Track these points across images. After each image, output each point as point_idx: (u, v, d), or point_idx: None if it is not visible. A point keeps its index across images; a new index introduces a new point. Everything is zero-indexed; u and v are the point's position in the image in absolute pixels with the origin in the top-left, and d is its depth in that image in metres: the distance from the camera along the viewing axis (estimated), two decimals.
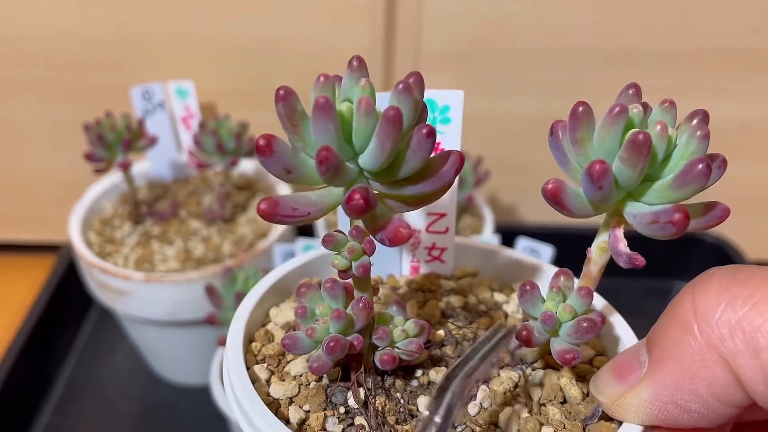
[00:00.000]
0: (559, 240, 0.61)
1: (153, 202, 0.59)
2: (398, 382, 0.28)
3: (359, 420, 0.26)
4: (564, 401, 0.27)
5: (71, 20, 0.61)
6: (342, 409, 0.27)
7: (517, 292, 0.28)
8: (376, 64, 0.63)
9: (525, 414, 0.27)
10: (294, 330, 0.28)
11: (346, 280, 0.26)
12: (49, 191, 0.72)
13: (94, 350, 0.66)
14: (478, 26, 0.61)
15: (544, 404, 0.27)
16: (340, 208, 0.25)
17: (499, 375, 0.28)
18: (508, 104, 0.66)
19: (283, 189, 0.60)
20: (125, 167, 0.53)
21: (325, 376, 0.27)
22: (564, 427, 0.26)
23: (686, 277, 0.75)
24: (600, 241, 0.27)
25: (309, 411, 0.27)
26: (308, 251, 0.43)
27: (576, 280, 0.28)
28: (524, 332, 0.26)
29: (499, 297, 0.33)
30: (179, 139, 0.62)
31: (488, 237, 0.56)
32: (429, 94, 0.28)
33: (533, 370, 0.29)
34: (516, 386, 0.28)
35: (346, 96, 0.24)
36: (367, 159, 0.22)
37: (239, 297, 0.42)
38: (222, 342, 0.44)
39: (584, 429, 0.26)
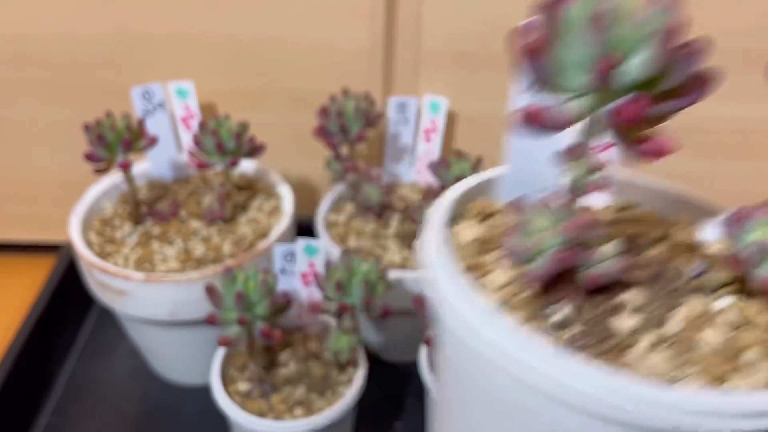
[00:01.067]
0: None
1: (153, 202, 0.59)
2: (598, 299, 0.29)
3: (572, 330, 0.28)
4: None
5: (71, 21, 0.61)
6: (552, 319, 0.28)
7: (723, 221, 0.30)
8: (377, 64, 0.63)
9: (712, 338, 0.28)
10: (488, 244, 0.32)
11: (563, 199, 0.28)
12: (49, 191, 0.72)
13: (94, 350, 0.66)
14: (478, 26, 0.61)
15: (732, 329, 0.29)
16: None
17: (686, 303, 0.30)
18: (507, 105, 0.66)
19: (284, 189, 0.61)
20: (125, 167, 0.53)
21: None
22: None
23: None
24: None
25: (521, 318, 0.28)
26: (311, 250, 0.49)
27: None
28: (733, 261, 0.28)
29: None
30: (179, 139, 0.62)
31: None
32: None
33: (718, 297, 0.30)
34: (704, 313, 0.29)
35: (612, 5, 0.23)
36: (635, 68, 0.22)
37: (239, 297, 0.43)
38: (223, 342, 0.44)
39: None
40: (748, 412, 0.23)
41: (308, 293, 0.52)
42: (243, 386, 0.50)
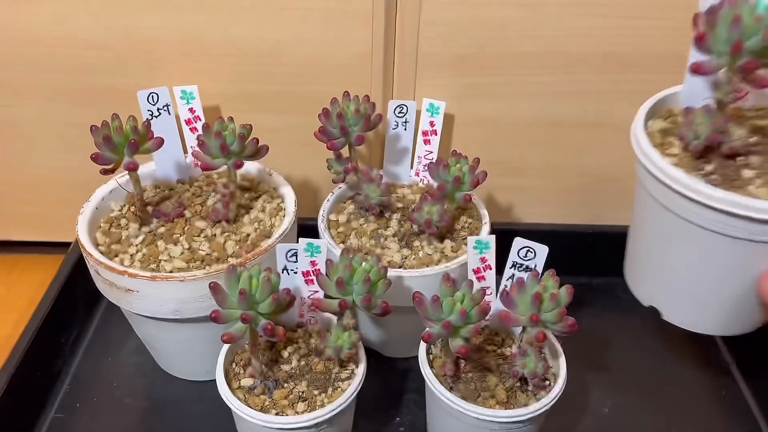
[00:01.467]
0: (554, 239, 0.62)
1: (159, 203, 0.60)
2: (732, 162, 0.49)
3: (714, 178, 0.48)
4: None
5: (78, 24, 0.62)
6: (703, 171, 0.49)
7: None
8: (377, 67, 0.64)
9: None
10: (669, 132, 0.52)
11: None
12: (56, 192, 0.73)
13: (100, 347, 0.67)
14: (476, 31, 0.62)
15: None
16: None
17: None
18: (506, 107, 0.67)
19: (287, 190, 0.62)
20: (132, 169, 0.54)
21: None
22: None
23: None
24: None
25: (686, 171, 0.48)
26: (312, 248, 0.52)
27: None
28: None
29: None
30: (184, 141, 0.63)
31: (486, 237, 0.57)
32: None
33: None
34: None
35: None
36: (752, 44, 0.41)
37: (243, 295, 0.44)
38: (226, 339, 0.46)
39: None
40: None
41: (310, 291, 0.54)
42: (246, 382, 0.51)
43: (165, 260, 0.55)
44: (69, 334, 0.66)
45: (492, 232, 0.61)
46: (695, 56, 0.43)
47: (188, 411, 0.61)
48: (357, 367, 0.52)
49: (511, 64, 0.64)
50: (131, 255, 0.55)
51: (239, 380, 0.52)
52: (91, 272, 0.57)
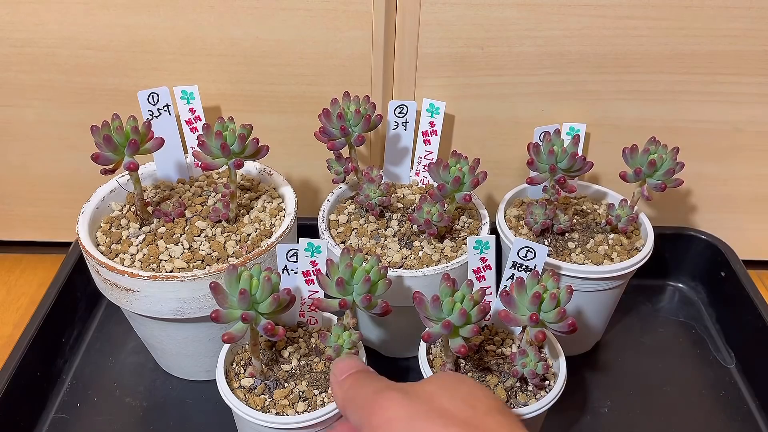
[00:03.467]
0: None
1: (159, 203, 0.60)
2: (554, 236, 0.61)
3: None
4: None
5: (79, 25, 0.62)
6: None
7: None
8: (377, 68, 0.64)
9: None
10: (521, 217, 0.61)
11: None
12: (57, 192, 0.73)
13: (101, 346, 0.67)
14: (475, 31, 0.62)
15: None
16: None
17: None
18: (506, 107, 0.67)
19: (287, 190, 0.62)
20: (132, 168, 0.54)
21: None
22: None
23: (679, 277, 0.77)
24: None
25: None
26: (312, 248, 0.53)
27: None
28: None
29: None
30: (185, 141, 0.64)
31: (486, 237, 0.57)
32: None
33: None
34: None
35: None
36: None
37: (244, 295, 0.44)
38: (227, 339, 0.46)
39: None
40: None
41: (310, 291, 0.54)
42: (246, 382, 0.51)
43: (165, 260, 0.55)
44: (70, 334, 0.66)
45: (492, 232, 0.61)
46: (530, 172, 0.60)
47: (188, 411, 0.61)
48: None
49: (511, 64, 0.64)
50: (132, 255, 0.56)
51: (239, 380, 0.52)
52: (92, 272, 0.57)
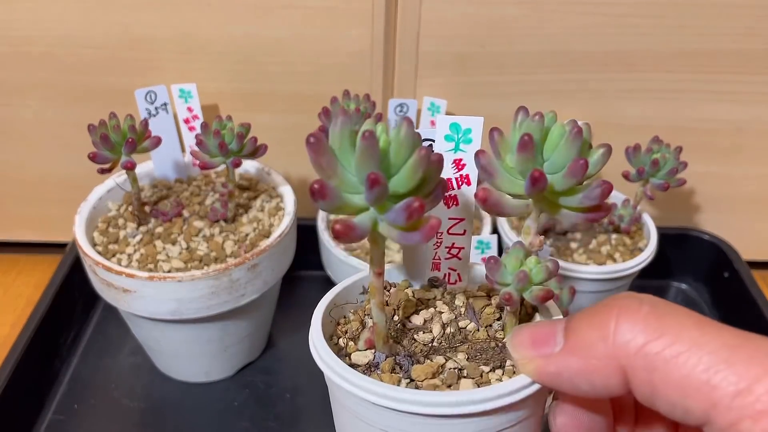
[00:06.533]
0: None
1: (157, 202, 0.60)
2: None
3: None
4: None
5: (76, 23, 0.62)
6: None
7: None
8: (377, 66, 0.63)
9: None
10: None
11: None
12: (53, 191, 0.72)
13: (98, 348, 0.66)
14: (477, 29, 0.62)
15: None
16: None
17: None
18: (506, 106, 0.67)
19: (286, 189, 0.61)
20: (129, 168, 0.54)
21: None
22: None
23: (681, 277, 0.76)
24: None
25: None
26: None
27: None
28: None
29: None
30: (183, 140, 0.63)
31: (487, 237, 0.57)
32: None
33: None
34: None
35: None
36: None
37: (370, 138, 0.26)
38: (342, 232, 0.27)
39: None
40: None
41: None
42: (361, 356, 0.34)
43: (163, 260, 0.54)
44: (67, 335, 0.66)
45: (493, 232, 0.61)
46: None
47: (186, 412, 0.60)
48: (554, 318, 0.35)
49: (512, 62, 0.64)
50: (129, 255, 0.55)
51: (348, 355, 0.35)
52: (89, 273, 0.56)
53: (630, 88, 0.65)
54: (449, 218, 0.37)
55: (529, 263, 0.32)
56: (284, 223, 0.57)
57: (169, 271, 0.53)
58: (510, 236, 0.60)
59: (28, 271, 0.76)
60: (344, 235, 0.27)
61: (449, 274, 0.39)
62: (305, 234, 0.62)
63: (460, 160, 0.35)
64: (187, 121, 0.63)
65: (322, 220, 0.62)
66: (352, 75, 0.64)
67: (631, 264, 0.58)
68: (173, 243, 0.56)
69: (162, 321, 0.55)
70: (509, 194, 0.32)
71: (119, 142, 0.52)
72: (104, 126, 0.52)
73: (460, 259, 0.38)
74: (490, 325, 0.36)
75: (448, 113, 0.66)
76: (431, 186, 0.29)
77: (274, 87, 0.65)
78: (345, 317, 0.37)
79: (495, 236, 0.53)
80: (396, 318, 0.36)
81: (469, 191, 0.36)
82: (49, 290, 0.64)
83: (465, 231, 0.37)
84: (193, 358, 0.60)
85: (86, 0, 0.60)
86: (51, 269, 0.67)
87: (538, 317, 0.36)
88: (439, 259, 0.38)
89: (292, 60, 0.64)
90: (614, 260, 0.60)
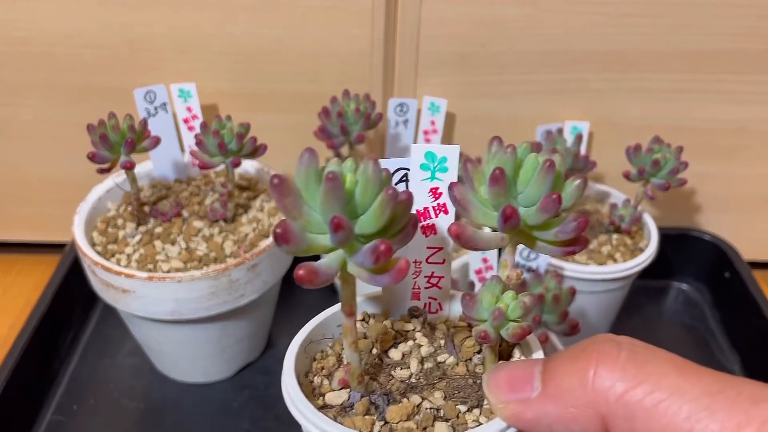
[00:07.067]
0: None
1: (156, 202, 0.60)
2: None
3: None
4: None
5: (75, 22, 0.62)
6: None
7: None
8: (377, 65, 0.63)
9: None
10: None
11: None
12: (52, 191, 0.72)
13: (97, 348, 0.66)
14: (477, 28, 0.62)
15: None
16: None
17: None
18: (507, 105, 0.67)
19: None
20: (129, 168, 0.53)
21: None
22: None
23: (682, 278, 0.76)
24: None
25: None
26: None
27: None
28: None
29: None
30: (182, 140, 0.63)
31: None
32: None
33: None
34: None
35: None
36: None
37: (332, 183, 0.25)
38: (304, 277, 0.26)
39: None
40: None
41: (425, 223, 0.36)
42: (335, 397, 0.33)
43: (162, 260, 0.54)
44: (66, 336, 0.66)
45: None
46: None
47: (185, 413, 0.60)
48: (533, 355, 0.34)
49: (512, 62, 0.64)
50: (128, 255, 0.55)
51: (322, 396, 0.34)
52: (88, 273, 0.56)
53: (630, 87, 0.65)
54: (427, 247, 0.36)
55: (505, 299, 0.31)
56: None
57: (168, 272, 0.53)
58: None
59: (26, 272, 0.76)
60: (307, 281, 0.26)
61: (429, 303, 0.38)
62: None
63: (437, 188, 0.35)
64: (186, 121, 0.62)
65: None
66: (352, 75, 0.64)
67: (632, 264, 0.58)
68: (172, 243, 0.56)
69: (161, 321, 0.55)
70: (485, 226, 0.31)
71: (118, 141, 0.52)
72: (103, 126, 0.52)
73: (440, 288, 0.37)
74: (470, 359, 0.35)
75: (448, 113, 0.66)
76: (401, 224, 0.28)
77: (273, 87, 0.65)
78: (322, 351, 0.37)
79: None
80: (374, 351, 0.35)
81: (447, 219, 0.35)
82: (48, 290, 0.64)
83: (444, 260, 0.36)
84: (192, 359, 0.60)
85: (86, 0, 0.60)
86: (50, 269, 0.67)
87: (517, 353, 0.35)
88: (419, 289, 0.37)
89: (292, 59, 0.63)
90: (615, 260, 0.59)
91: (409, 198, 0.28)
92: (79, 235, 0.55)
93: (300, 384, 0.33)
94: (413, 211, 0.31)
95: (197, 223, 0.57)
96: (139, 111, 0.59)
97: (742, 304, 0.67)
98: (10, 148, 0.70)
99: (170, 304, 0.52)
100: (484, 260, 0.52)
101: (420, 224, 0.35)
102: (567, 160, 0.55)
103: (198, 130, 0.55)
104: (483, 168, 0.31)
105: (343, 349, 0.36)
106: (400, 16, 0.61)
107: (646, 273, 0.61)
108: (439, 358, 0.35)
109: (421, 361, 0.35)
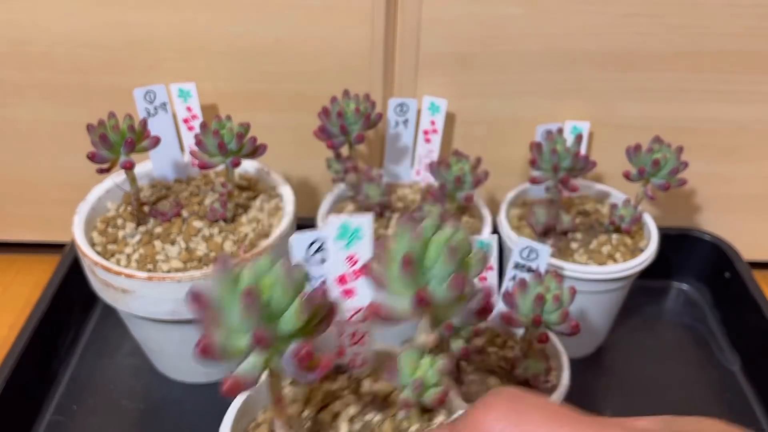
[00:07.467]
0: None
1: (155, 202, 0.60)
2: None
3: None
4: None
5: (75, 22, 0.61)
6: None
7: None
8: (377, 65, 0.63)
9: None
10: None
11: None
12: (52, 191, 0.72)
13: (97, 348, 0.66)
14: (477, 28, 0.62)
15: None
16: None
17: None
18: (507, 105, 0.67)
19: (285, 189, 0.61)
20: (128, 168, 0.53)
21: None
22: None
23: (683, 278, 0.76)
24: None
25: None
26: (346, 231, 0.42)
27: None
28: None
29: None
30: (182, 140, 0.63)
31: (487, 237, 0.56)
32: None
33: None
34: None
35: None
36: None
37: (250, 297, 0.27)
38: (230, 390, 0.29)
39: None
40: None
41: (350, 308, 0.38)
42: None
43: (162, 260, 0.54)
44: (66, 336, 0.66)
45: (494, 232, 0.61)
46: (533, 172, 0.58)
47: (185, 413, 0.60)
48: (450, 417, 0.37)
49: (512, 62, 0.64)
50: (128, 255, 0.55)
51: None
52: (87, 273, 0.56)
53: (631, 87, 0.65)
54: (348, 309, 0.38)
55: (423, 365, 0.34)
56: (284, 223, 0.57)
57: (168, 272, 0.53)
58: (510, 236, 0.60)
59: (26, 272, 0.76)
60: (233, 393, 0.28)
61: (354, 359, 0.40)
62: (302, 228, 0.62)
63: (353, 255, 0.36)
64: (186, 121, 0.62)
65: (321, 220, 0.62)
66: (352, 75, 0.64)
67: (632, 264, 0.58)
68: (172, 243, 0.56)
69: (161, 321, 0.55)
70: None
71: (118, 141, 0.52)
72: (103, 126, 0.52)
73: (363, 344, 0.39)
74: (395, 415, 0.38)
75: (448, 113, 0.66)
76: (319, 318, 0.30)
77: (273, 86, 0.65)
78: (254, 419, 0.38)
79: (495, 236, 0.53)
80: (305, 413, 0.38)
81: (364, 281, 0.37)
82: (47, 291, 0.64)
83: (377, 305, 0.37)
84: (191, 359, 0.59)
85: (86, 0, 0.60)
86: (50, 269, 0.67)
87: (439, 416, 0.38)
88: (344, 347, 0.39)
89: (291, 59, 0.63)
90: (615, 260, 0.59)
91: (324, 293, 0.29)
92: (78, 235, 0.55)
93: None
94: (332, 278, 0.35)
95: (197, 223, 0.57)
96: (138, 111, 0.59)
97: (742, 304, 0.67)
98: (9, 148, 0.70)
99: (170, 304, 0.52)
100: None
101: (341, 288, 0.37)
102: (567, 159, 0.55)
103: (198, 130, 0.54)
104: (393, 247, 0.32)
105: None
106: (400, 16, 0.61)
107: (646, 273, 0.61)
108: (367, 417, 0.39)
109: (350, 420, 0.38)
